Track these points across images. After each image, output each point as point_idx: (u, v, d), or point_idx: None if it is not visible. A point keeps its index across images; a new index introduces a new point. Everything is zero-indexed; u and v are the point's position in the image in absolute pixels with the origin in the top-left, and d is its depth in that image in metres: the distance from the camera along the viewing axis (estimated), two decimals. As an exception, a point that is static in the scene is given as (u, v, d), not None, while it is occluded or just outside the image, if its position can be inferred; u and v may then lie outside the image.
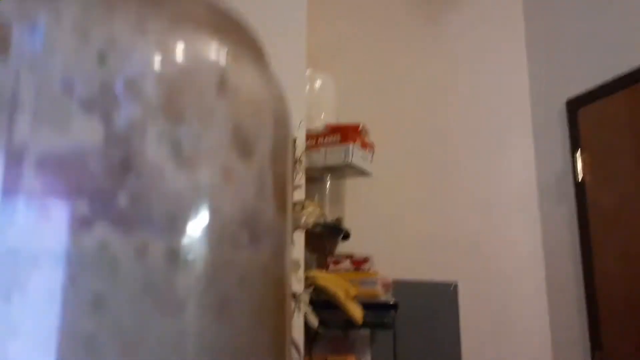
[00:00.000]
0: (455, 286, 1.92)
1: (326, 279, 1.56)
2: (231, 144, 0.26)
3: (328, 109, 2.09)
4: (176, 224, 0.24)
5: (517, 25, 2.89)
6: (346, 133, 1.88)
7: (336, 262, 1.73)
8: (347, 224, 1.97)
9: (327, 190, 1.96)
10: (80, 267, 0.22)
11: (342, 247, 1.91)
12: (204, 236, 0.25)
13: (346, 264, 1.72)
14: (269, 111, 0.29)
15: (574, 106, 2.45)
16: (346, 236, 1.92)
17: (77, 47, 0.24)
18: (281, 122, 0.30)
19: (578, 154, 2.43)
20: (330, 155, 1.86)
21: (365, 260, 1.70)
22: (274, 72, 0.31)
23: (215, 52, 0.26)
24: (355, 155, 1.86)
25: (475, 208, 2.51)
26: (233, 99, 0.26)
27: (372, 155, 1.98)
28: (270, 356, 0.27)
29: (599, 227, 2.35)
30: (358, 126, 1.95)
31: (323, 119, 2.00)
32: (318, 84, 2.06)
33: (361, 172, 1.93)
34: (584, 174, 2.41)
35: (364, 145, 1.94)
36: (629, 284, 2.22)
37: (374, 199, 2.27)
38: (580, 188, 2.40)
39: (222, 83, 0.26)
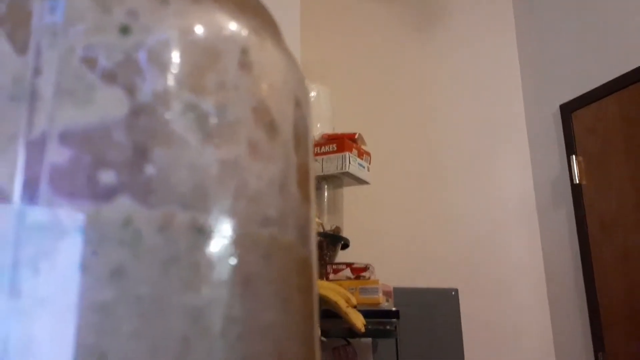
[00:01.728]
0: (456, 292, 1.90)
1: (326, 288, 1.55)
2: (256, 119, 0.26)
3: (324, 119, 2.09)
4: (201, 198, 0.24)
5: (509, 33, 2.92)
6: (342, 142, 1.88)
7: (336, 271, 1.71)
8: (346, 233, 1.96)
9: (325, 199, 1.95)
10: (103, 238, 0.22)
11: (342, 256, 1.90)
12: (229, 211, 0.24)
13: (346, 272, 1.71)
14: (291, 89, 0.28)
15: (568, 110, 2.47)
16: (345, 245, 1.90)
17: (99, 19, 0.23)
18: (302, 101, 0.29)
19: (573, 158, 2.45)
20: (327, 164, 1.86)
21: (366, 268, 1.69)
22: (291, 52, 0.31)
23: (237, 25, 0.26)
24: (352, 163, 1.86)
25: (473, 214, 2.51)
26: (256, 73, 0.26)
27: (369, 164, 1.98)
28: (298, 335, 0.26)
29: (596, 229, 2.35)
30: (354, 135, 1.95)
31: (319, 128, 2.00)
32: (313, 94, 2.06)
33: (359, 181, 1.93)
34: (579, 177, 2.42)
35: (361, 153, 1.94)
36: (629, 285, 2.22)
37: (372, 207, 2.26)
38: (577, 191, 2.41)
39: (245, 56, 0.26)
